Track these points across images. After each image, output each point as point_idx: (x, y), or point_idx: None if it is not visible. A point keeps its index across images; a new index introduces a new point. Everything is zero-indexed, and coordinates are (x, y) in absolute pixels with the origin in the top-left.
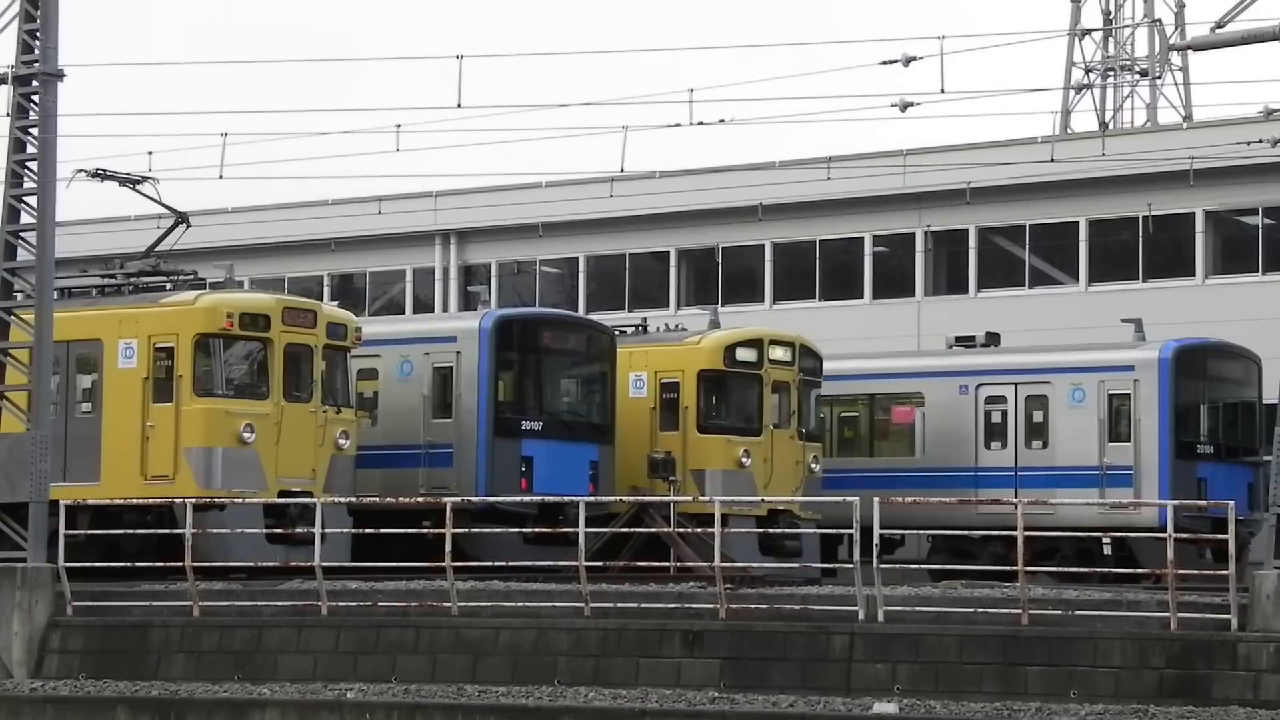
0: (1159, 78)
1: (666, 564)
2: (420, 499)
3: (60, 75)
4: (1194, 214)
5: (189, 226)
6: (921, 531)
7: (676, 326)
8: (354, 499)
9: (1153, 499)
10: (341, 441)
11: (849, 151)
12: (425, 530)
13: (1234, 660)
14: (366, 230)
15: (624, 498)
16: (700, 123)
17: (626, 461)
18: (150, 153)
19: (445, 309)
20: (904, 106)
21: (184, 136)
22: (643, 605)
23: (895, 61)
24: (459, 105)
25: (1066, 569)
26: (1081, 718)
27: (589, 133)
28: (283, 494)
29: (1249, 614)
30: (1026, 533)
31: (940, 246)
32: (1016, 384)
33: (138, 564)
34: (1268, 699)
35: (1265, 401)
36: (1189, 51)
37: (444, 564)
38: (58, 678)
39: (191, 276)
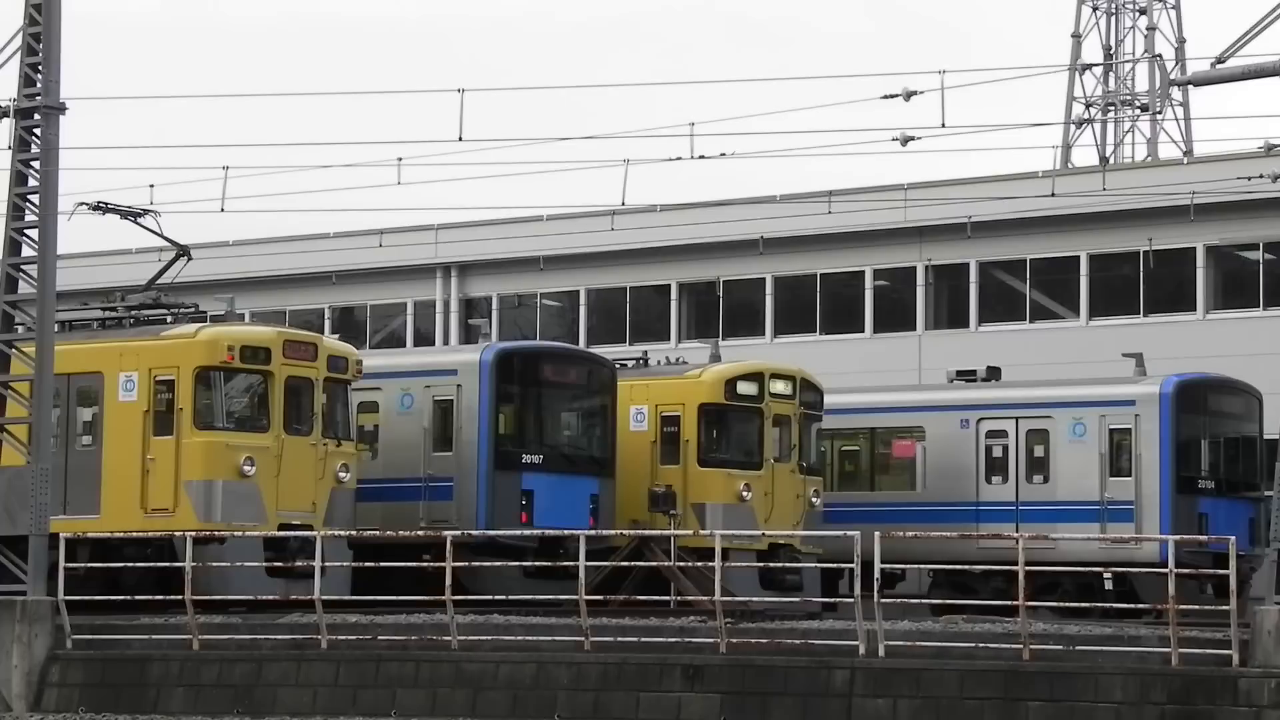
0: (1159, 113)
1: (667, 598)
2: (420, 532)
3: (62, 108)
4: (1195, 249)
5: (190, 259)
6: (922, 566)
7: (677, 360)
8: (354, 532)
9: (1154, 534)
10: (342, 474)
11: (850, 185)
12: (425, 564)
13: (1235, 696)
14: (367, 263)
15: (624, 531)
16: (701, 156)
17: (627, 495)
18: (152, 185)
19: (446, 342)
20: (905, 141)
21: (185, 169)
22: (643, 639)
23: (896, 96)
24: (460, 138)
25: (1068, 604)
26: None
27: (590, 166)
28: (283, 527)
29: (1250, 649)
30: (1027, 567)
31: (941, 280)
32: (1017, 418)
33: (137, 597)
34: None
35: (1266, 436)
36: (1189, 87)
37: (444, 598)
38: (57, 711)
39: (192, 309)
